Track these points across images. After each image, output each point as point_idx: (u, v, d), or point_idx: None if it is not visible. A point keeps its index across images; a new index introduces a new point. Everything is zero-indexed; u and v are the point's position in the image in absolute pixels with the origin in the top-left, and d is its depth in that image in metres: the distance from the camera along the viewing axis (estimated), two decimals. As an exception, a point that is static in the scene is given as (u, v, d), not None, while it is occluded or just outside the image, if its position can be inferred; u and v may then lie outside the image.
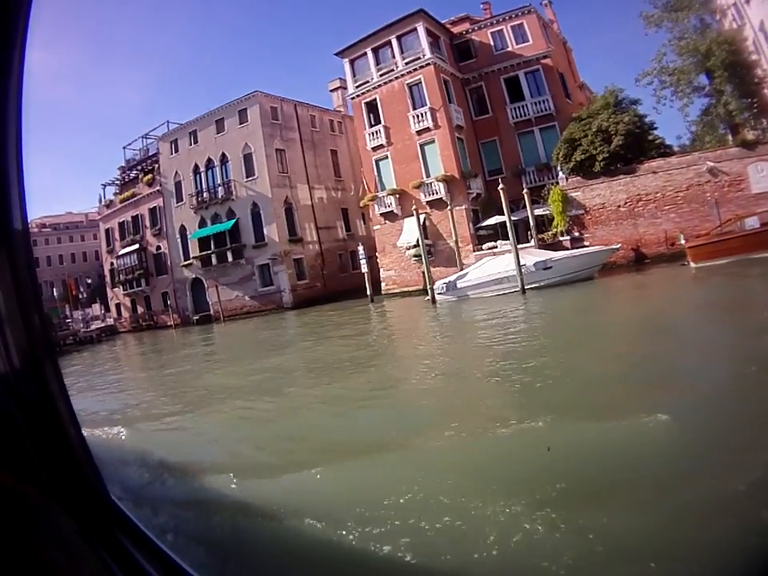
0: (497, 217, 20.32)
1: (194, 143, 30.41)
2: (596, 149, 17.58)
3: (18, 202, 0.88)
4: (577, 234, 18.26)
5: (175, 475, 4.55)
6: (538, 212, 19.19)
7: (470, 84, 24.41)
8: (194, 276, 30.10)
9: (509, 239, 17.56)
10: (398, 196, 22.83)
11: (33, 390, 0.92)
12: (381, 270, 23.89)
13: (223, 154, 29.34)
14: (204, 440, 5.87)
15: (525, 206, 22.19)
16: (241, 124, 29.06)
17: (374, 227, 24.42)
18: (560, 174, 18.76)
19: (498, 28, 23.45)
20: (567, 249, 17.60)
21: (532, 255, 16.08)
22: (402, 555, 2.66)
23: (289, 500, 3.60)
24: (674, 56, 18.47)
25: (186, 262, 30.24)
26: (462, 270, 18.67)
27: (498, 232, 20.46)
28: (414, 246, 21.07)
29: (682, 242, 13.92)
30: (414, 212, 18.90)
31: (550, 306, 13.26)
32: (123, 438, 6.05)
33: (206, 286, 29.68)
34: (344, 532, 2.95)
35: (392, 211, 22.96)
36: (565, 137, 18.90)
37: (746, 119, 17.22)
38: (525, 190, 17.87)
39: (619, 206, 17.77)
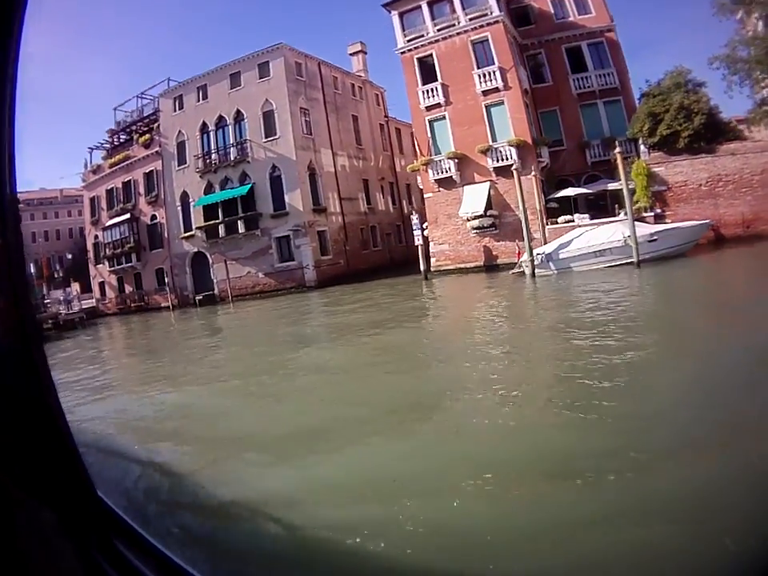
0: (570, 189, 19.27)
1: (203, 99, 26.48)
2: (680, 125, 17.06)
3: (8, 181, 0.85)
4: (659, 210, 17.15)
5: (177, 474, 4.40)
6: (612, 186, 18.15)
7: (528, 50, 22.78)
8: (195, 250, 25.86)
9: (579, 213, 17.80)
10: (457, 161, 20.16)
11: (18, 379, 0.88)
12: (431, 243, 20.92)
13: (238, 111, 25.54)
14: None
15: (590, 181, 20.45)
16: (261, 78, 25.48)
17: (426, 195, 21.50)
18: (641, 148, 17.75)
19: (559, -4, 22.12)
20: (648, 224, 16.51)
21: (624, 227, 14.69)
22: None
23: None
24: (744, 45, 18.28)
25: (186, 234, 26.00)
26: (545, 243, 16.90)
27: (565, 206, 19.20)
28: (479, 217, 19.22)
29: None
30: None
31: (692, 286, 11.39)
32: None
33: (210, 261, 25.49)
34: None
35: (450, 177, 20.39)
36: (646, 111, 17.97)
37: None
38: (617, 157, 15.79)
39: (701, 185, 17.08)
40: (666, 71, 18.90)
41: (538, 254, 15.50)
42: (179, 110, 27.16)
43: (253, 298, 23.91)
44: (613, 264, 14.38)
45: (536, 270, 15.26)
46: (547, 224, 18.45)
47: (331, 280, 22.94)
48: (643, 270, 13.45)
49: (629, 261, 13.99)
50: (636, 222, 15.25)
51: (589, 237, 15.13)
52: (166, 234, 26.96)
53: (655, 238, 14.26)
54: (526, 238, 15.70)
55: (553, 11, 22.03)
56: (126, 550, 0.95)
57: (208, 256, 25.48)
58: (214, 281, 25.31)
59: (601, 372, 5.73)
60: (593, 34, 21.29)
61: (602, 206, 18.90)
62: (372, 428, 4.93)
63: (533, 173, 18.93)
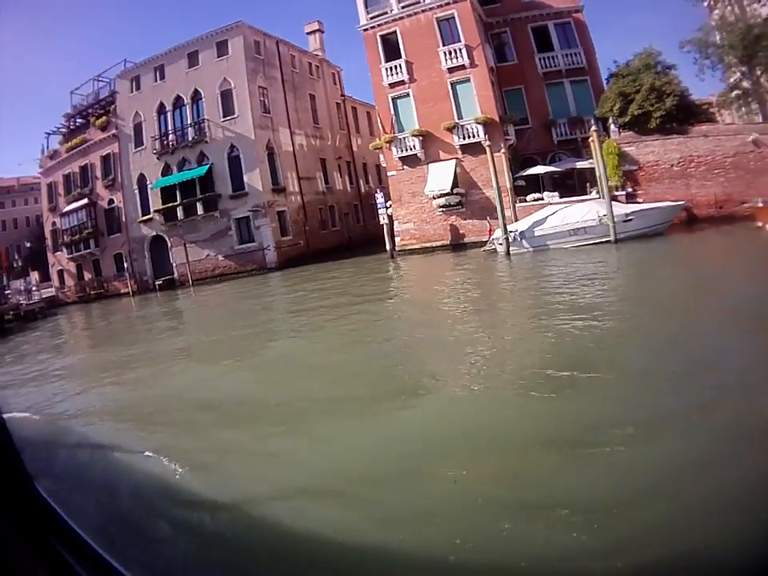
0: (538, 167, 19.13)
1: (161, 79, 25.66)
2: (652, 105, 17.15)
3: None
4: (630, 189, 17.17)
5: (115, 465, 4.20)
6: (581, 165, 18.22)
7: (493, 29, 22.52)
8: (154, 233, 25.08)
9: (548, 192, 17.54)
10: (421, 138, 19.83)
11: None
12: (395, 222, 20.50)
13: (196, 91, 24.81)
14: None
15: (556, 159, 20.50)
16: (219, 57, 24.84)
17: (389, 173, 21.05)
18: (612, 127, 17.74)
19: (526, -25, 21.90)
20: (622, 204, 16.61)
21: (599, 206, 14.62)
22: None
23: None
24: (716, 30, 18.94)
25: (144, 218, 25.19)
26: (516, 221, 16.47)
27: (531, 185, 18.84)
28: (445, 195, 18.81)
29: (760, 204, 13.63)
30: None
31: (668, 263, 11.47)
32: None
33: (169, 244, 24.74)
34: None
35: (415, 155, 19.98)
36: (616, 91, 18.05)
37: None
38: (593, 136, 15.83)
39: (672, 165, 17.19)
40: (635, 53, 18.86)
41: (511, 232, 15.17)
42: (136, 90, 26.28)
43: (214, 281, 23.33)
44: (588, 243, 14.20)
45: (510, 248, 15.03)
46: (516, 202, 18.29)
47: (292, 261, 22.59)
48: (621, 249, 13.42)
49: (605, 240, 13.93)
50: (598, 203, 15.19)
51: (563, 215, 14.84)
52: (123, 218, 26.08)
53: (631, 218, 14.15)
54: (500, 216, 15.30)
55: None
56: (60, 545, 0.93)
57: (167, 239, 24.74)
58: (173, 265, 24.60)
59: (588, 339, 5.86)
60: (560, 14, 21.30)
61: (569, 185, 18.88)
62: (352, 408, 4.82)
63: (501, 150, 18.69)
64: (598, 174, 16.62)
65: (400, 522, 2.89)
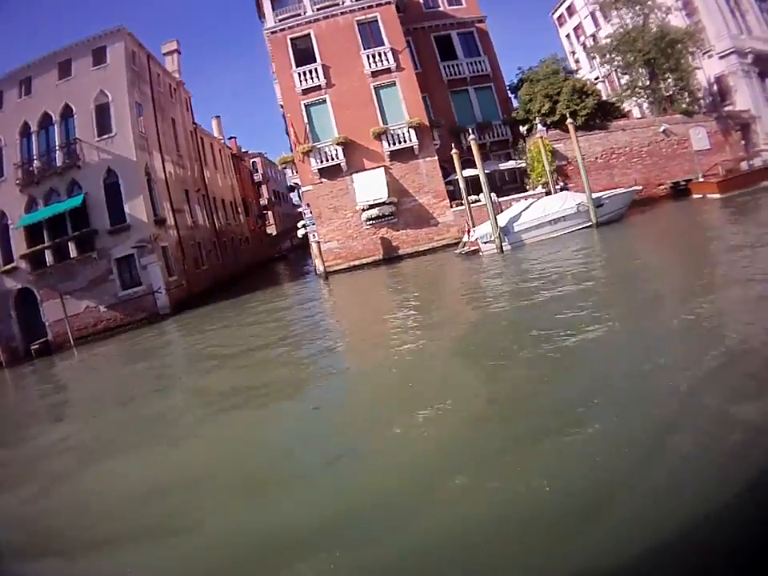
0: (470, 169, 18.25)
1: (26, 94, 20.92)
2: (576, 105, 18.78)
3: None
4: (562, 183, 18.09)
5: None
6: (509, 165, 19.75)
7: None
8: (19, 286, 19.82)
9: (473, 194, 17.51)
10: (343, 147, 18.22)
11: None
12: (311, 243, 17.94)
13: (67, 106, 20.27)
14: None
15: (466, 165, 19.62)
16: (96, 66, 20.80)
17: (304, 188, 18.61)
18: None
19: (429, -13, 22.61)
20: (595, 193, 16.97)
21: (573, 196, 15.31)
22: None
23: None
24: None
25: (7, 267, 19.91)
26: (471, 224, 16.05)
27: (461, 188, 18.12)
28: (378, 205, 17.55)
29: (701, 179, 16.64)
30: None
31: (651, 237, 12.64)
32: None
33: (39, 298, 19.53)
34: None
35: (337, 165, 18.27)
36: (541, 93, 19.37)
37: (678, 95, 21.22)
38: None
39: (597, 158, 18.77)
40: (540, 59, 20.96)
41: (485, 232, 14.70)
42: (-3, 110, 21.43)
43: (97, 338, 18.30)
44: (570, 230, 14.49)
45: (484, 246, 14.54)
46: (451, 206, 18.18)
47: (181, 305, 18.52)
48: (601, 233, 13.78)
49: (585, 225, 14.48)
50: (572, 193, 15.68)
51: (540, 207, 14.86)
52: (-19, 270, 20.71)
53: (602, 203, 14.71)
54: (491, 214, 14.36)
55: (422, 1, 22.14)
56: None
57: (36, 292, 19.53)
58: (47, 324, 19.37)
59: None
60: (464, 24, 21.95)
61: (497, 187, 19.19)
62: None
63: (434, 155, 18.48)
64: (536, 172, 18.26)
65: None
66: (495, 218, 14.41)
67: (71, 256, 18.87)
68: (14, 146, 20.61)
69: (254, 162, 46.09)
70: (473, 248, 14.81)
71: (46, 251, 19.12)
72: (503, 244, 14.18)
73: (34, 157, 20.18)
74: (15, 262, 19.74)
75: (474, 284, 11.25)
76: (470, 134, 19.50)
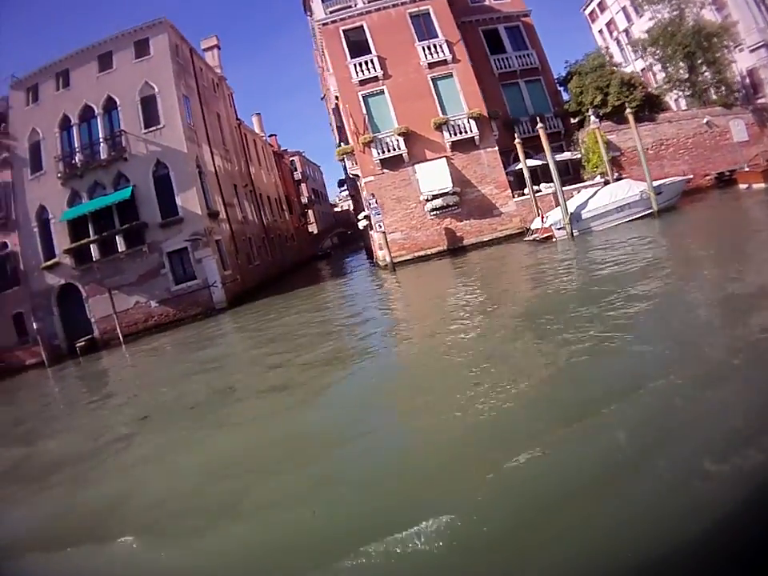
0: (533, 159, 18.64)
1: (64, 87, 20.45)
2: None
3: None
4: (617, 174, 18.04)
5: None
6: (565, 156, 19.45)
7: None
8: (62, 282, 19.23)
9: (543, 183, 18.04)
10: (404, 137, 17.73)
11: None
12: (373, 235, 17.31)
13: (110, 98, 19.81)
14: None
15: (517, 157, 19.66)
16: (138, 58, 20.36)
17: (364, 180, 18.03)
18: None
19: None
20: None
21: (635, 184, 15.56)
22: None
23: None
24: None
25: (49, 263, 19.32)
26: (538, 212, 16.23)
27: (526, 177, 18.15)
28: (443, 195, 17.26)
29: (746, 168, 17.25)
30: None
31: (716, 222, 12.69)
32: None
33: (84, 294, 18.97)
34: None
35: (399, 155, 17.83)
36: (593, 86, 19.50)
37: (715, 88, 21.49)
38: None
39: (647, 149, 18.60)
40: (585, 53, 21.45)
41: (558, 218, 14.85)
42: (33, 102, 20.77)
43: (148, 334, 17.83)
44: (633, 218, 14.66)
45: (557, 233, 14.73)
46: (513, 196, 18.08)
47: (237, 299, 18.20)
48: (663, 219, 13.97)
49: (647, 213, 14.65)
50: (633, 181, 15.85)
51: (606, 194, 15.13)
52: (22, 266, 20.04)
53: (661, 191, 14.92)
54: (561, 201, 14.71)
55: None
56: None
57: (80, 288, 18.96)
58: (92, 320, 18.80)
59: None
60: (509, 18, 22.02)
61: (549, 177, 18.66)
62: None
63: (495, 146, 18.29)
64: (591, 163, 18.52)
65: None
66: (566, 206, 14.58)
67: (119, 250, 18.37)
68: (54, 139, 20.08)
69: (292, 160, 45.65)
70: (546, 234, 14.82)
71: (91, 245, 18.60)
72: (564, 234, 14.42)
73: (76, 150, 19.66)
74: (58, 257, 19.19)
75: (577, 272, 10.50)
76: (522, 126, 20.51)
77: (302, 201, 44.35)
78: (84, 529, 4.14)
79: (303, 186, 46.15)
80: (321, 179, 58.34)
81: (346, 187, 30.74)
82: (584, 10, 35.06)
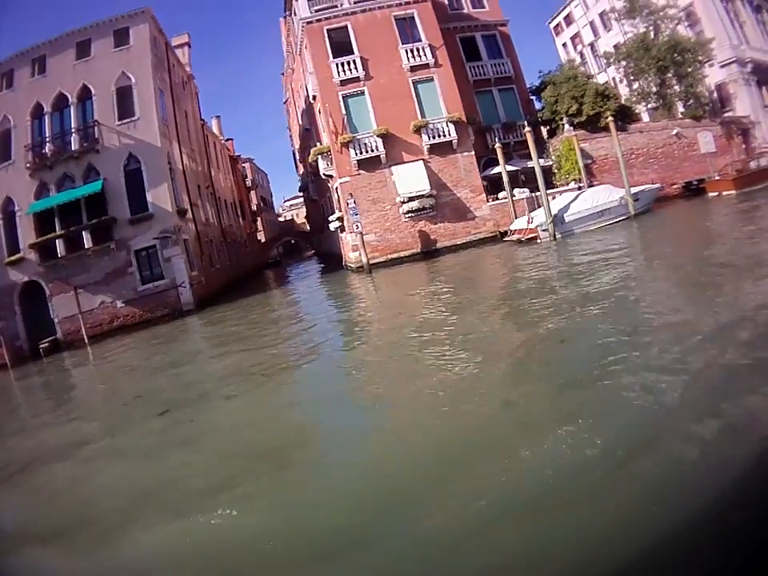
0: (509, 164, 18.71)
1: (40, 73, 19.62)
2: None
3: None
4: (588, 181, 18.30)
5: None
6: (535, 164, 19.08)
7: None
8: (25, 279, 18.31)
9: (517, 189, 18.31)
10: (383, 139, 17.63)
11: None
12: (347, 235, 17.26)
13: (85, 87, 19.04)
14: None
15: (489, 163, 20.13)
16: (117, 47, 19.63)
17: (340, 180, 17.72)
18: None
19: (453, -11, 22.66)
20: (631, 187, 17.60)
21: (614, 189, 15.92)
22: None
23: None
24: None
25: (12, 258, 18.41)
26: (516, 217, 16.99)
27: (505, 181, 18.21)
28: (419, 197, 17.17)
29: (717, 177, 17.56)
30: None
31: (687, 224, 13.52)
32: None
33: (47, 292, 18.05)
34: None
35: (377, 156, 17.69)
36: (568, 95, 19.68)
37: (684, 101, 22.54)
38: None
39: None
40: (558, 63, 22.43)
41: (542, 220, 14.98)
42: (7, 88, 19.89)
43: (112, 335, 16.88)
44: (611, 222, 15.07)
45: (542, 234, 14.80)
46: (488, 200, 18.29)
47: (203, 301, 17.56)
48: (640, 222, 14.43)
49: (624, 217, 15.19)
50: (612, 187, 16.08)
51: (588, 198, 15.41)
52: (-16, 261, 19.14)
53: (638, 197, 15.56)
54: (545, 203, 14.93)
55: (447, 2, 22.01)
56: None
57: (44, 286, 18.04)
58: (56, 320, 17.87)
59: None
60: (487, 26, 22.19)
61: (521, 184, 19.37)
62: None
63: (471, 150, 18.40)
64: (564, 169, 18.79)
65: None
66: (549, 208, 14.81)
67: (86, 246, 17.50)
68: (25, 128, 19.21)
69: (243, 167, 44.80)
70: (530, 235, 14.96)
71: (57, 241, 17.72)
72: (547, 236, 14.64)
73: (47, 139, 18.82)
74: (22, 252, 18.27)
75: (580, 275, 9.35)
76: (494, 133, 20.49)
77: (252, 208, 43.45)
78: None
79: (253, 193, 45.26)
80: (268, 187, 57.57)
81: (309, 191, 29.93)
82: (549, 23, 35.22)
